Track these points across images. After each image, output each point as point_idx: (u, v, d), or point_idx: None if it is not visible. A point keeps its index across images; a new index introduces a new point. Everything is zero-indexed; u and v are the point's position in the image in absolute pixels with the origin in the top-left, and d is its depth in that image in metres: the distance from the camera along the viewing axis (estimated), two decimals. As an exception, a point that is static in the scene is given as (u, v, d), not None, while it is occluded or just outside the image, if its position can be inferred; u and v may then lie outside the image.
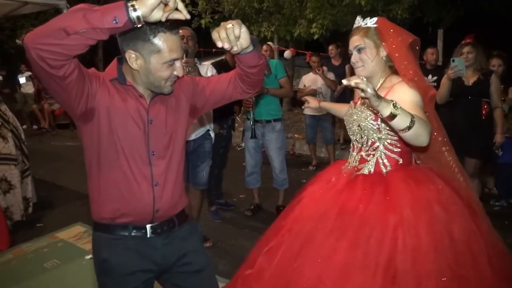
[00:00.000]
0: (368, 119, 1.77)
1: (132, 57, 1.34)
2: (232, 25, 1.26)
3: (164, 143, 1.48)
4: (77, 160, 6.27)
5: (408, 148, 1.78)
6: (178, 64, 1.39)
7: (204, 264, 1.63)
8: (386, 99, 1.36)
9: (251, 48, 1.38)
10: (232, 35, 1.27)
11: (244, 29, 1.29)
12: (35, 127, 9.86)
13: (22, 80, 9.85)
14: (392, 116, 1.36)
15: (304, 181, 2.34)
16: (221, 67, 3.78)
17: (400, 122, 1.38)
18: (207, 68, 3.30)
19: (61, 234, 3.74)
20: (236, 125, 5.55)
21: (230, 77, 1.58)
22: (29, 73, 9.90)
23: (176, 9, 1.17)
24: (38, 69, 1.15)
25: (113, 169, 1.41)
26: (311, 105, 2.37)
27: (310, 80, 5.48)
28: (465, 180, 1.92)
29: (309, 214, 1.80)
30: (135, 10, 1.10)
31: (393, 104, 1.35)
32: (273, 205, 4.17)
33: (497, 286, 1.59)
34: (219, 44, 1.28)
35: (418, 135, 1.42)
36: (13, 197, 3.80)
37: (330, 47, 6.22)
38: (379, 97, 1.33)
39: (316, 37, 8.00)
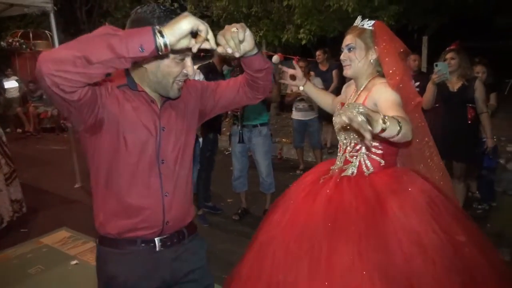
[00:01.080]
0: None
1: None
2: (237, 29, 1.21)
3: (175, 151, 1.42)
4: (62, 164, 6.20)
5: (391, 151, 1.81)
6: (188, 62, 1.31)
7: (209, 283, 1.58)
8: (376, 117, 1.32)
9: (255, 51, 1.35)
10: (236, 40, 1.22)
11: (248, 33, 1.26)
12: (19, 130, 9.68)
13: (8, 84, 9.69)
14: (383, 130, 1.38)
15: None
16: (208, 71, 3.77)
17: (390, 132, 1.40)
18: (194, 73, 3.29)
19: (45, 239, 3.69)
20: (224, 129, 5.54)
21: (240, 82, 1.55)
22: (15, 77, 9.79)
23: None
24: (51, 94, 1.08)
25: (121, 179, 1.34)
26: (294, 72, 2.23)
27: (297, 85, 5.49)
28: (446, 183, 1.96)
29: (310, 228, 1.70)
30: (162, 36, 1.04)
31: (382, 119, 1.35)
32: (261, 209, 4.17)
33: (493, 275, 1.62)
34: (220, 49, 1.22)
35: (406, 135, 1.45)
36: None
37: (318, 53, 6.28)
38: (371, 124, 1.28)
39: (303, 42, 8.07)
